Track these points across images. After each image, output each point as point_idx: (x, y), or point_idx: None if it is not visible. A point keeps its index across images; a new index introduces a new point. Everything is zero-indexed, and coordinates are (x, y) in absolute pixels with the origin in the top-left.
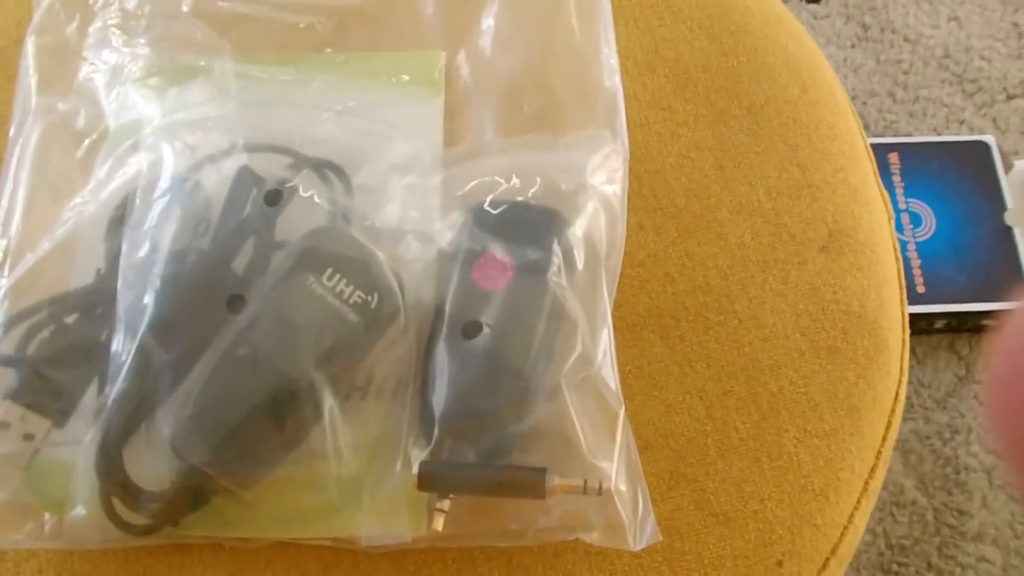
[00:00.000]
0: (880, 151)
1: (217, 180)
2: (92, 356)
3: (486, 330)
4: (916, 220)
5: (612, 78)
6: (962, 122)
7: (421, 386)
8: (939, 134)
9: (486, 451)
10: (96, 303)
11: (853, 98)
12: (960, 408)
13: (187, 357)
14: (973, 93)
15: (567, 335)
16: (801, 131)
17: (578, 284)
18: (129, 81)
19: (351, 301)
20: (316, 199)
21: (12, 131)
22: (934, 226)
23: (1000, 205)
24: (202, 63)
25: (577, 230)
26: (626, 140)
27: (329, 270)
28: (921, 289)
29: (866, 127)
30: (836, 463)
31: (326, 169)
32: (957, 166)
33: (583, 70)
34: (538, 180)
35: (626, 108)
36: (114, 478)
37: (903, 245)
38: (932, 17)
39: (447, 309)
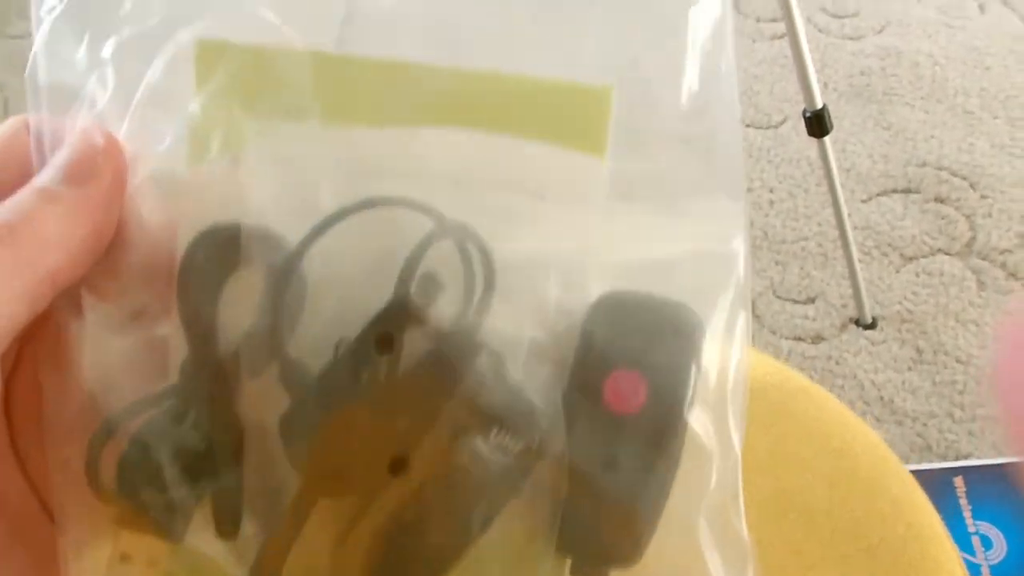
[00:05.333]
0: (945, 475)
1: (352, 262)
2: (198, 468)
3: (623, 463)
4: (987, 543)
5: (735, 137)
6: None
7: (563, 517)
8: (999, 451)
9: None
10: (188, 405)
11: (914, 420)
12: None
13: (343, 508)
14: None
15: (702, 467)
16: (910, 565)
17: (713, 407)
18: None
19: (514, 452)
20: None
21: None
22: (1005, 548)
23: None
24: (290, 61)
25: (709, 334)
26: (746, 212)
27: (495, 428)
28: None
29: (928, 448)
30: None
31: (469, 242)
32: (1021, 487)
33: (699, 124)
34: (662, 266)
35: (761, 553)
36: None
37: (976, 568)
38: (979, 338)
39: (581, 436)
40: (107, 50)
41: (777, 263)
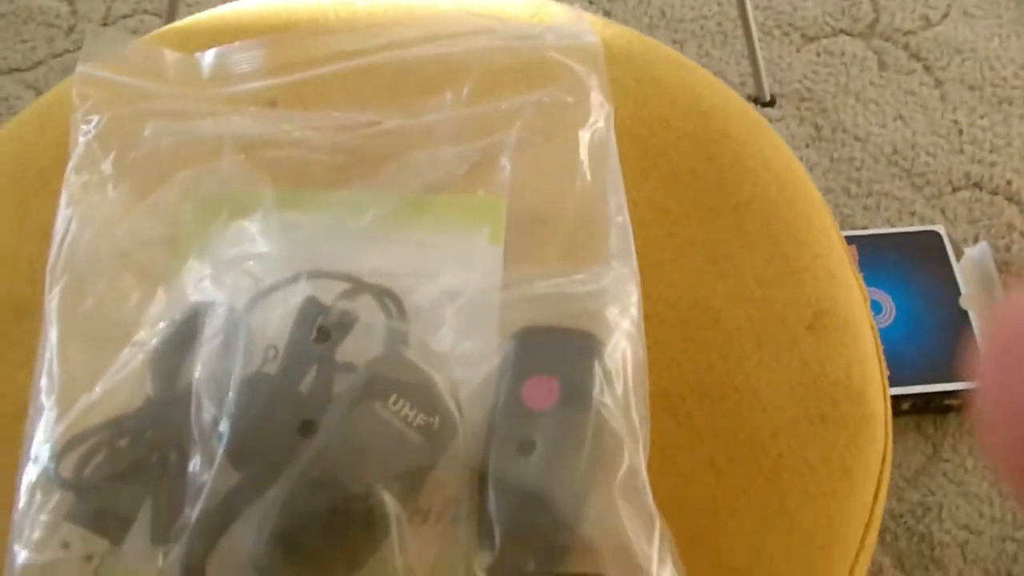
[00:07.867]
0: None
1: (284, 309)
2: (145, 477)
3: (539, 448)
4: (876, 308)
5: (622, 214)
6: (913, 214)
7: (481, 502)
8: (893, 226)
9: (545, 560)
10: (146, 426)
11: None
12: (930, 486)
13: (263, 479)
14: (922, 186)
15: (613, 450)
16: (782, 225)
17: (619, 402)
18: (189, 217)
19: (415, 424)
20: (374, 326)
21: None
22: (894, 313)
23: (954, 290)
24: (256, 197)
25: (613, 351)
26: (637, 268)
27: (394, 396)
28: (885, 373)
29: None
30: (835, 521)
31: (384, 297)
32: (912, 255)
33: (595, 208)
34: (572, 306)
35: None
36: None
37: None
38: (879, 117)
39: (501, 429)
40: None
41: (675, 42)
